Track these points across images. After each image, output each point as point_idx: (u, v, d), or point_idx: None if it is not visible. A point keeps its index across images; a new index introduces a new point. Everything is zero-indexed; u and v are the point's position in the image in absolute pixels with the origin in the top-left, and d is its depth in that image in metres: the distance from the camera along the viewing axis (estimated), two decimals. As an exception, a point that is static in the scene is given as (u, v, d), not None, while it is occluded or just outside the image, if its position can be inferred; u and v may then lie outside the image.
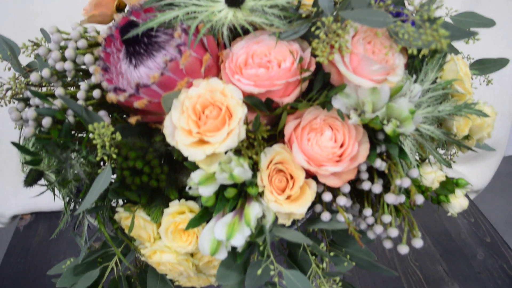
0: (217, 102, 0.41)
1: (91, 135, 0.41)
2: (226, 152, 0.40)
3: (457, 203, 0.58)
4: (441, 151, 0.60)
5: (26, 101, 0.48)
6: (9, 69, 0.54)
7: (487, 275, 0.84)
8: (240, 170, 0.39)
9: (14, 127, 0.54)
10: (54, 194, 0.57)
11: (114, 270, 0.55)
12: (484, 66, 0.63)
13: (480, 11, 0.53)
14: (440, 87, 0.50)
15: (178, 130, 0.41)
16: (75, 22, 0.49)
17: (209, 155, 0.40)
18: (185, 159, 0.41)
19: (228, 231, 0.40)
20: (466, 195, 1.05)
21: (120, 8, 0.53)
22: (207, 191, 0.40)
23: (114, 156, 0.41)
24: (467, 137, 0.55)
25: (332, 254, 0.49)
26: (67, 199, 0.52)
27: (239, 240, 0.40)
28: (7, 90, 0.49)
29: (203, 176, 0.41)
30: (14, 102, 0.50)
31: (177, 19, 0.41)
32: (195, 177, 0.40)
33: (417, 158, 0.56)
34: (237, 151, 0.42)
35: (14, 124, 0.48)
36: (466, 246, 0.91)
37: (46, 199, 1.00)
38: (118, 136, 0.41)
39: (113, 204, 0.53)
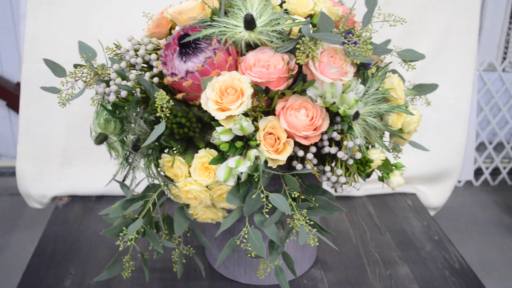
0: (235, 85, 0.66)
1: (155, 100, 0.65)
2: (238, 115, 0.65)
3: (395, 180, 0.82)
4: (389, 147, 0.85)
5: (107, 82, 0.73)
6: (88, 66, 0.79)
7: (431, 261, 1.06)
8: (247, 124, 0.63)
9: (90, 104, 0.78)
10: (111, 156, 0.81)
11: (151, 209, 0.78)
12: (421, 89, 0.88)
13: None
14: (381, 93, 0.75)
15: (210, 101, 0.66)
16: (143, 34, 0.76)
17: (228, 116, 0.65)
18: (213, 119, 0.66)
19: (237, 163, 0.64)
20: (427, 210, 1.28)
21: (171, 28, 0.79)
22: (225, 138, 0.65)
23: (168, 114, 0.66)
24: (401, 130, 0.80)
25: (303, 197, 0.73)
26: (125, 152, 0.76)
27: (243, 168, 0.64)
28: (94, 74, 0.74)
29: (223, 129, 0.65)
30: (96, 84, 0.75)
31: (214, 34, 0.67)
32: (218, 129, 0.65)
33: (369, 145, 0.80)
34: (246, 115, 0.67)
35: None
36: (417, 240, 1.13)
37: (82, 184, 1.23)
38: (171, 102, 0.66)
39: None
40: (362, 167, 0.74)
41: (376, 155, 0.77)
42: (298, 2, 0.75)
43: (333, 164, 0.75)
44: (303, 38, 0.65)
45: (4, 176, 2.36)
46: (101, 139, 0.77)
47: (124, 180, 0.82)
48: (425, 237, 1.15)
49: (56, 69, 0.78)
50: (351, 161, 0.71)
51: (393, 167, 0.82)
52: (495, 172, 2.44)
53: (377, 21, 0.73)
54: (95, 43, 0.83)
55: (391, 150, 0.81)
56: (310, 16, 0.77)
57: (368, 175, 0.79)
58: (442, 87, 0.91)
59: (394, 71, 0.80)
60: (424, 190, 1.38)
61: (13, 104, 2.21)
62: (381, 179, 0.84)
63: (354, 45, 0.63)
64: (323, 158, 0.74)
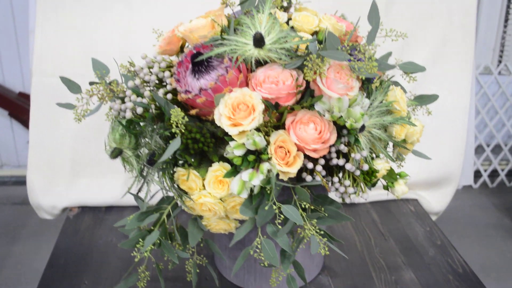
0: (246, 101, 0.69)
1: (171, 117, 0.68)
2: (250, 130, 0.68)
3: (400, 188, 0.85)
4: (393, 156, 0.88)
5: (122, 99, 0.76)
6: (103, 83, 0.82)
7: (435, 266, 1.08)
8: (259, 138, 0.66)
9: (105, 119, 0.81)
10: (125, 168, 0.84)
11: (165, 220, 0.80)
12: (422, 100, 0.91)
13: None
14: (384, 105, 0.78)
15: (223, 117, 0.69)
16: (155, 51, 0.79)
17: (240, 132, 0.68)
18: (226, 134, 0.69)
19: (250, 176, 0.67)
20: (429, 216, 1.31)
21: (182, 46, 0.82)
22: (238, 152, 0.68)
23: (183, 130, 0.68)
24: (404, 141, 0.83)
25: (312, 207, 0.76)
26: (140, 166, 0.78)
27: (256, 181, 0.66)
28: (110, 91, 0.77)
29: (236, 144, 0.68)
30: (111, 101, 0.78)
31: (225, 52, 0.70)
32: (231, 144, 0.68)
33: (374, 155, 0.83)
34: (257, 130, 0.70)
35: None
36: (421, 246, 1.16)
37: (92, 195, 1.26)
38: (186, 118, 0.69)
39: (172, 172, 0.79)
40: (368, 177, 0.76)
41: (381, 165, 0.80)
42: (304, 20, 0.79)
43: (340, 175, 0.78)
44: (310, 55, 0.68)
45: (7, 185, 2.39)
46: (116, 153, 0.79)
47: (138, 192, 0.85)
48: (428, 242, 1.17)
49: (71, 86, 0.81)
50: (358, 172, 0.73)
51: (398, 176, 0.85)
52: (494, 174, 2.48)
53: (379, 36, 0.77)
54: (102, 56, 0.85)
55: (395, 160, 0.84)
56: (316, 32, 0.80)
57: (374, 184, 0.82)
58: (440, 95, 0.94)
59: (396, 84, 0.83)
60: (426, 195, 1.41)
61: (15, 113, 2.23)
62: (386, 188, 0.86)
63: (359, 61, 0.66)
64: (330, 169, 0.77)
